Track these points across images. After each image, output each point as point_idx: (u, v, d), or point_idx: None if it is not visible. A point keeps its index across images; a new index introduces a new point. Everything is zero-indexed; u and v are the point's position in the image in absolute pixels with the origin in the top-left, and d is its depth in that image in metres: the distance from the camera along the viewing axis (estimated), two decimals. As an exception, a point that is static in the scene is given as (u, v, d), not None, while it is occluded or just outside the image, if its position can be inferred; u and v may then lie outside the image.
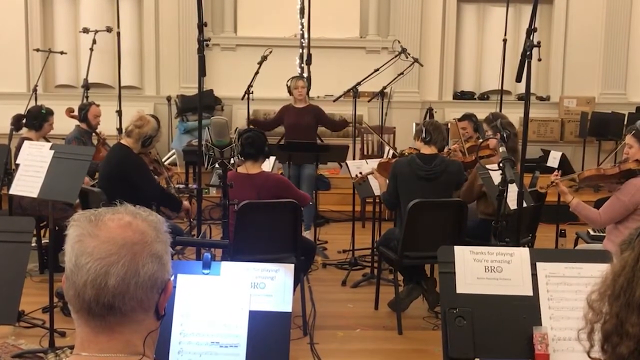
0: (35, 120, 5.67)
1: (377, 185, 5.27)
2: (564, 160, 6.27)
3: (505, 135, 4.46)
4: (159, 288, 1.30)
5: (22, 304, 3.08)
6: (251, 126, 6.68)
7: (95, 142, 6.18)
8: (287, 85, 6.76)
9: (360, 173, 5.30)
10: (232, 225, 3.98)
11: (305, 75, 7.73)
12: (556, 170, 4.59)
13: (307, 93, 6.77)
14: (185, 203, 5.23)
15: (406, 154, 4.97)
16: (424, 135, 4.54)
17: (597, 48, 9.59)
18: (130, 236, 1.26)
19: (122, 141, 4.86)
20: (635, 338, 1.16)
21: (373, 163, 5.42)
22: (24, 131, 5.72)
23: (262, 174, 4.42)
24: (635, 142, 3.98)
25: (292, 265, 2.01)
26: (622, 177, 4.00)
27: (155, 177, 5.34)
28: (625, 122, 8.71)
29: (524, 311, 2.11)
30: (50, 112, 5.77)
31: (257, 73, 6.74)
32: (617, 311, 1.20)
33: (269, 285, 1.95)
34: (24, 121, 5.73)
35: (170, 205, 5.11)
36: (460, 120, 6.37)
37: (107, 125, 6.58)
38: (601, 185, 4.46)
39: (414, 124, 8.69)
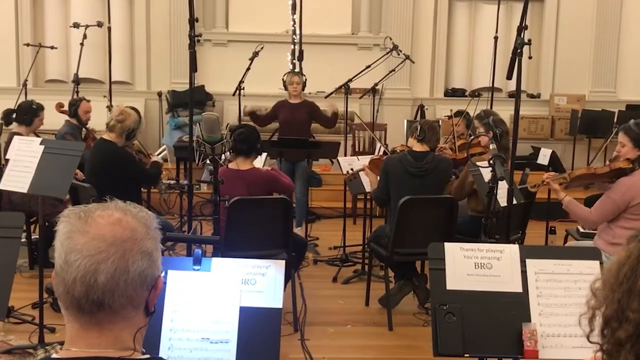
0: (26, 115, 5.63)
1: (368, 182, 5.28)
2: (554, 157, 6.30)
3: (498, 133, 4.48)
4: (149, 285, 1.30)
5: (12, 300, 3.06)
6: (247, 117, 6.67)
7: (84, 137, 6.15)
8: (283, 79, 6.74)
9: (352, 170, 5.31)
10: (223, 221, 3.97)
11: (297, 70, 7.72)
12: (549, 170, 4.60)
13: (303, 89, 6.75)
14: (155, 159, 5.32)
15: (398, 151, 4.98)
16: (418, 133, 4.54)
17: (588, 46, 9.63)
18: (120, 233, 1.26)
19: (105, 136, 4.83)
20: (634, 323, 1.20)
21: (364, 160, 5.43)
22: (13, 126, 5.69)
23: (253, 170, 4.42)
24: (628, 140, 3.97)
25: (283, 262, 2.01)
26: (613, 175, 4.01)
27: None
28: (615, 120, 8.76)
29: (513, 307, 2.12)
30: (41, 108, 5.74)
31: (248, 69, 6.73)
32: (619, 297, 1.23)
33: (260, 281, 1.95)
34: (14, 116, 5.70)
35: (158, 174, 5.19)
36: (452, 117, 6.38)
37: (96, 121, 6.55)
38: (591, 184, 4.46)
39: (406, 121, 8.74)
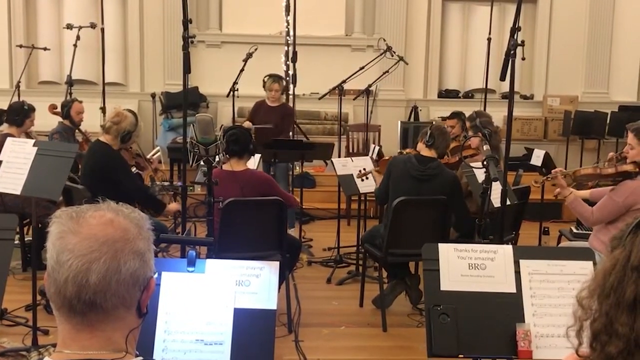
0: (17, 116, 5.62)
1: (364, 183, 5.30)
2: (547, 158, 6.31)
3: (487, 133, 4.48)
4: (141, 285, 1.29)
5: (5, 302, 3.06)
6: (241, 119, 6.61)
7: (79, 139, 6.14)
8: (263, 80, 6.71)
9: (364, 169, 5.31)
10: (217, 222, 3.97)
11: (291, 72, 7.71)
12: (542, 171, 4.58)
13: (283, 93, 6.72)
14: (173, 204, 5.12)
15: (405, 153, 4.97)
16: (427, 138, 4.49)
17: (581, 47, 9.67)
18: (111, 233, 1.25)
19: (101, 138, 4.81)
20: (624, 338, 1.15)
21: (358, 161, 5.45)
22: (4, 127, 5.68)
23: (247, 172, 4.42)
24: (637, 143, 3.94)
25: (277, 263, 2.01)
26: (617, 177, 4.00)
27: (140, 172, 5.29)
28: (607, 121, 8.80)
29: (507, 308, 2.12)
30: (32, 109, 5.72)
31: (242, 70, 6.72)
32: (607, 310, 1.19)
33: (254, 282, 1.95)
34: (4, 117, 5.69)
35: (153, 206, 4.97)
36: (448, 118, 6.39)
37: (90, 122, 6.53)
38: (600, 184, 4.44)
39: (399, 122, 8.75)
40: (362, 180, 5.37)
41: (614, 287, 1.19)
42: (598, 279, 1.23)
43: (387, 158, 5.22)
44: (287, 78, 6.94)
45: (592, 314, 1.22)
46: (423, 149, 4.54)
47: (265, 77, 6.69)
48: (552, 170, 4.22)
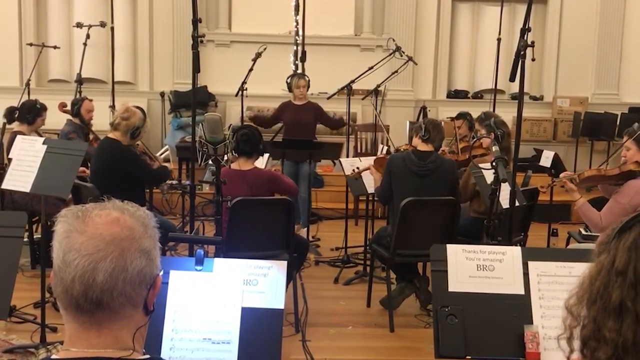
0: (29, 114, 5.65)
1: (371, 183, 5.28)
2: (556, 159, 6.27)
3: (499, 134, 4.47)
4: (147, 283, 1.30)
5: (14, 299, 3.06)
6: (249, 122, 6.68)
7: (91, 137, 6.17)
8: (287, 82, 6.76)
9: (357, 168, 5.31)
10: (225, 221, 3.98)
11: (299, 71, 7.72)
12: (551, 172, 4.55)
13: (307, 89, 6.79)
14: (165, 165, 5.37)
15: (402, 150, 4.97)
16: (422, 133, 4.52)
17: (591, 48, 9.62)
18: (117, 232, 1.26)
19: (110, 135, 4.84)
20: (612, 343, 1.15)
21: (367, 161, 5.43)
22: (15, 125, 5.70)
23: (254, 170, 4.43)
24: (633, 144, 3.92)
25: (285, 262, 2.01)
26: (622, 178, 3.96)
27: None
28: (617, 123, 8.75)
29: (515, 310, 2.11)
30: (44, 108, 5.77)
31: (251, 70, 6.73)
32: (594, 316, 1.18)
33: (262, 282, 1.95)
34: (16, 115, 5.72)
35: (164, 178, 5.23)
36: (455, 119, 6.37)
37: (100, 121, 6.56)
38: (594, 186, 4.41)
39: (408, 122, 8.72)
40: (356, 179, 5.38)
41: (600, 292, 1.19)
42: (585, 285, 1.23)
43: (382, 156, 5.20)
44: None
45: (581, 321, 1.22)
46: (419, 144, 4.55)
47: (287, 78, 6.77)
48: (560, 175, 4.20)
